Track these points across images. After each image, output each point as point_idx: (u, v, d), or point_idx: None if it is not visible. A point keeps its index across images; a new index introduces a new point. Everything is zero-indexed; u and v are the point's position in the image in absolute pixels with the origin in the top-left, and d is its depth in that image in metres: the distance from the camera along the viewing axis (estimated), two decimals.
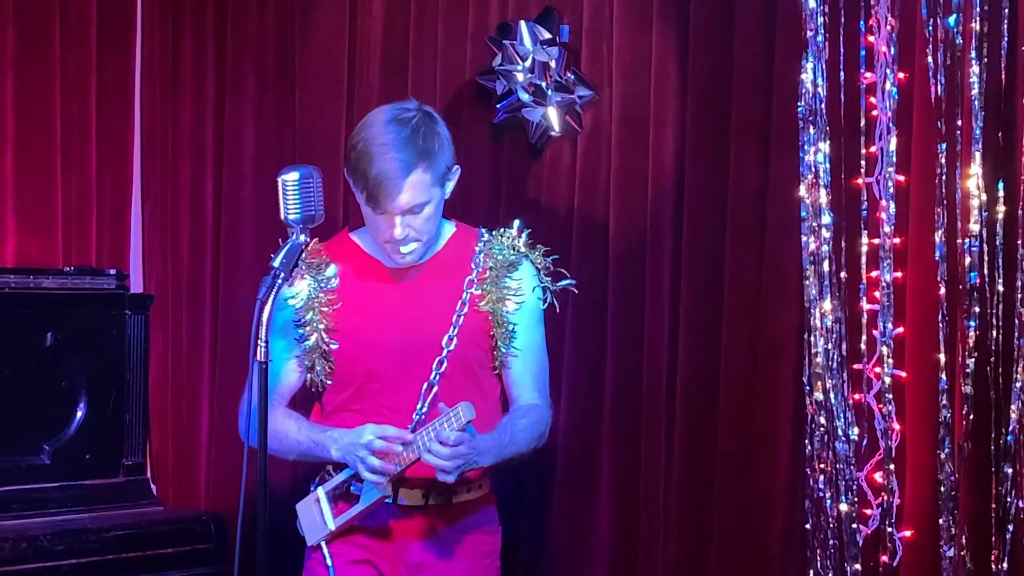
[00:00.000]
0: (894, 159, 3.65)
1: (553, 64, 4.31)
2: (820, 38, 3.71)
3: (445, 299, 3.46)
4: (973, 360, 3.49)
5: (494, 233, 3.56)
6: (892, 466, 3.66)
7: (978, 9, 3.48)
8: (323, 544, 3.44)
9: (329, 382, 3.49)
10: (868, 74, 3.69)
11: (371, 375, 3.45)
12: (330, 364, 3.47)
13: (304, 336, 3.46)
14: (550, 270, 3.54)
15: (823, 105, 3.72)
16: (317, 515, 3.44)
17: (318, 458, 3.44)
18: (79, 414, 4.78)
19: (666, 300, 4.14)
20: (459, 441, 3.20)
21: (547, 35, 4.32)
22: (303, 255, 3.21)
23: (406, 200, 3.32)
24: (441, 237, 3.51)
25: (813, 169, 3.73)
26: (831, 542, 3.71)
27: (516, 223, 3.57)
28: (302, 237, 3.13)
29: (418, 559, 3.46)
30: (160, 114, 5.33)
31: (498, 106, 4.43)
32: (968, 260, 3.50)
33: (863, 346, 3.70)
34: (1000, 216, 3.49)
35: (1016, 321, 3.45)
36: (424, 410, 3.40)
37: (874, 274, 3.69)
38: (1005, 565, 3.45)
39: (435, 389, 3.41)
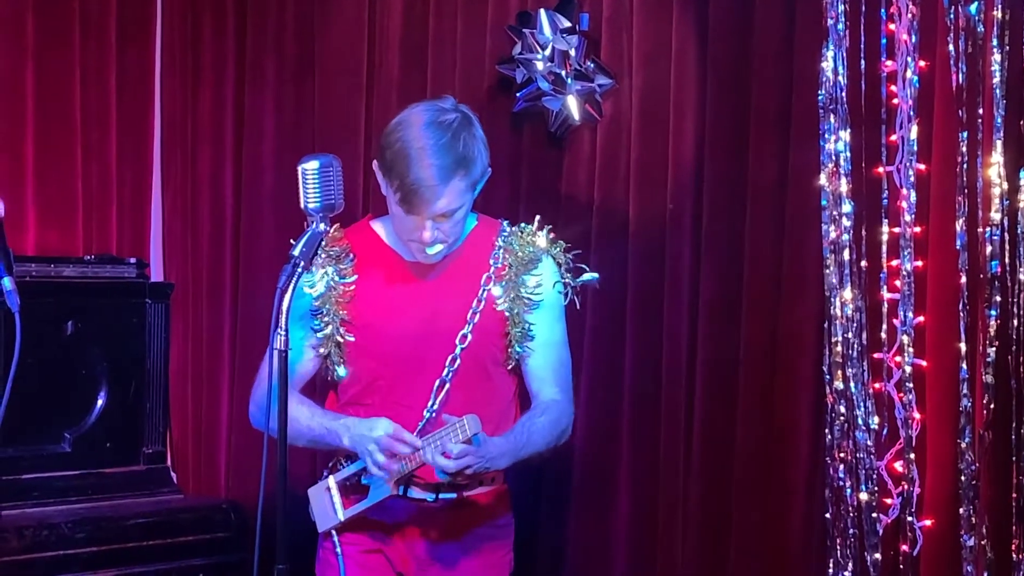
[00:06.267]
0: (915, 148, 3.64)
1: (573, 52, 4.30)
2: (840, 26, 3.70)
3: (462, 296, 3.45)
4: (994, 349, 3.48)
5: (515, 228, 3.54)
6: (912, 455, 3.65)
7: None
8: (333, 533, 3.46)
9: (342, 370, 3.49)
10: (889, 62, 3.68)
11: (384, 369, 3.45)
12: (343, 355, 3.47)
13: (320, 326, 3.46)
14: (571, 266, 3.53)
15: (843, 94, 3.70)
16: (328, 504, 3.45)
17: (328, 446, 3.44)
18: (99, 403, 4.80)
19: (686, 288, 4.13)
20: (463, 454, 3.20)
21: (567, 24, 4.31)
22: (324, 242, 3.20)
23: (442, 207, 3.30)
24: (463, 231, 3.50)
25: (833, 158, 3.72)
26: (851, 531, 3.70)
27: (537, 219, 3.56)
28: (322, 226, 3.13)
29: (428, 553, 3.47)
30: (180, 103, 5.34)
31: (518, 95, 4.42)
32: (989, 249, 3.49)
33: (883, 335, 3.69)
34: (1021, 204, 3.48)
35: None
36: (435, 407, 3.39)
37: (895, 263, 3.68)
38: None
39: (447, 386, 3.41)
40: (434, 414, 3.39)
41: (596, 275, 3.57)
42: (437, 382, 3.41)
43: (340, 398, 3.53)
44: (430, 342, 3.43)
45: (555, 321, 3.53)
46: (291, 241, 3.12)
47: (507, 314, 3.45)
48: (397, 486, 3.36)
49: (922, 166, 3.65)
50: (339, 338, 3.45)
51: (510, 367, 3.51)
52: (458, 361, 3.42)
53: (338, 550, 3.45)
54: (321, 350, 3.48)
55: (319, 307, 3.45)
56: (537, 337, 3.48)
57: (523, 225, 3.55)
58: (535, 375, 3.51)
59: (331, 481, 3.45)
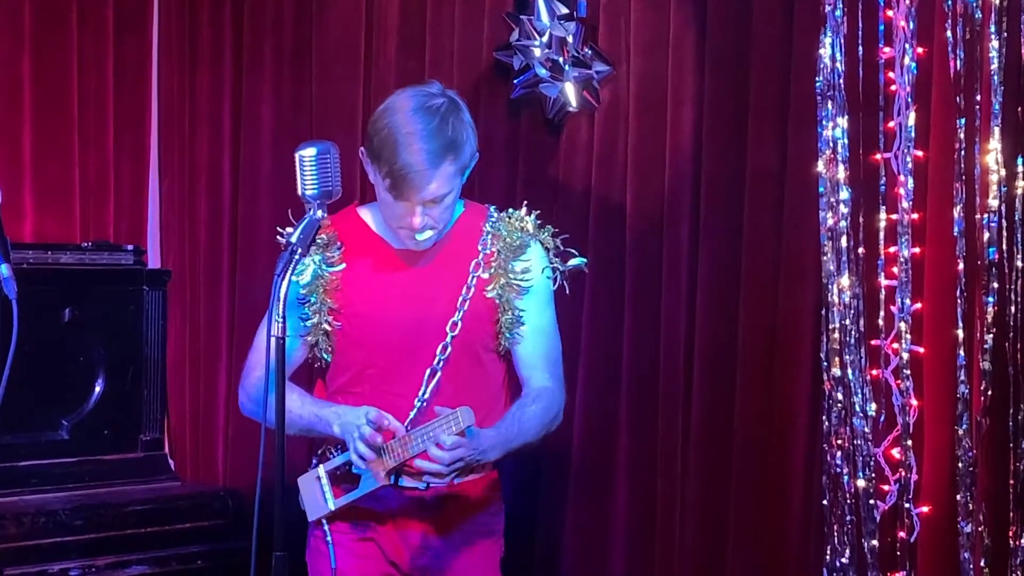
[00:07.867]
0: (912, 134, 3.64)
1: (570, 39, 4.29)
2: (838, 12, 3.69)
3: (450, 283, 3.43)
4: (991, 336, 3.48)
5: (503, 214, 3.53)
6: (910, 442, 3.65)
7: None
8: (324, 521, 3.45)
9: (329, 358, 3.48)
10: (887, 49, 3.67)
11: (373, 358, 3.44)
12: (331, 343, 3.46)
13: (308, 315, 3.45)
14: (560, 251, 3.52)
15: (841, 80, 3.70)
16: (318, 493, 3.44)
17: (319, 434, 3.43)
18: (97, 390, 4.81)
19: (684, 274, 4.13)
20: (456, 445, 3.19)
21: (564, 10, 4.31)
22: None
23: (432, 192, 3.29)
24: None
25: (831, 145, 3.72)
26: (848, 518, 3.71)
27: (524, 204, 3.55)
28: (319, 213, 3.12)
29: (420, 541, 3.46)
30: (177, 91, 5.34)
31: (515, 82, 4.42)
32: (987, 235, 3.48)
33: (881, 322, 3.69)
34: (1019, 191, 3.47)
35: None
36: (426, 396, 3.38)
37: (892, 250, 3.68)
38: (1023, 541, 3.45)
39: (438, 375, 3.40)
40: (425, 403, 3.38)
41: (584, 259, 3.57)
42: (428, 371, 3.40)
43: (328, 387, 3.52)
44: (420, 330, 3.42)
45: (544, 307, 3.52)
46: (282, 229, 3.12)
47: (497, 300, 3.44)
48: (388, 476, 3.35)
49: (920, 153, 3.64)
50: (326, 326, 3.44)
51: (501, 353, 3.50)
52: (449, 349, 3.41)
53: (328, 539, 3.44)
54: (309, 338, 3.46)
55: (306, 295, 3.44)
56: (527, 324, 3.47)
57: (511, 211, 3.54)
58: (525, 362, 3.50)
59: (321, 470, 3.44)
